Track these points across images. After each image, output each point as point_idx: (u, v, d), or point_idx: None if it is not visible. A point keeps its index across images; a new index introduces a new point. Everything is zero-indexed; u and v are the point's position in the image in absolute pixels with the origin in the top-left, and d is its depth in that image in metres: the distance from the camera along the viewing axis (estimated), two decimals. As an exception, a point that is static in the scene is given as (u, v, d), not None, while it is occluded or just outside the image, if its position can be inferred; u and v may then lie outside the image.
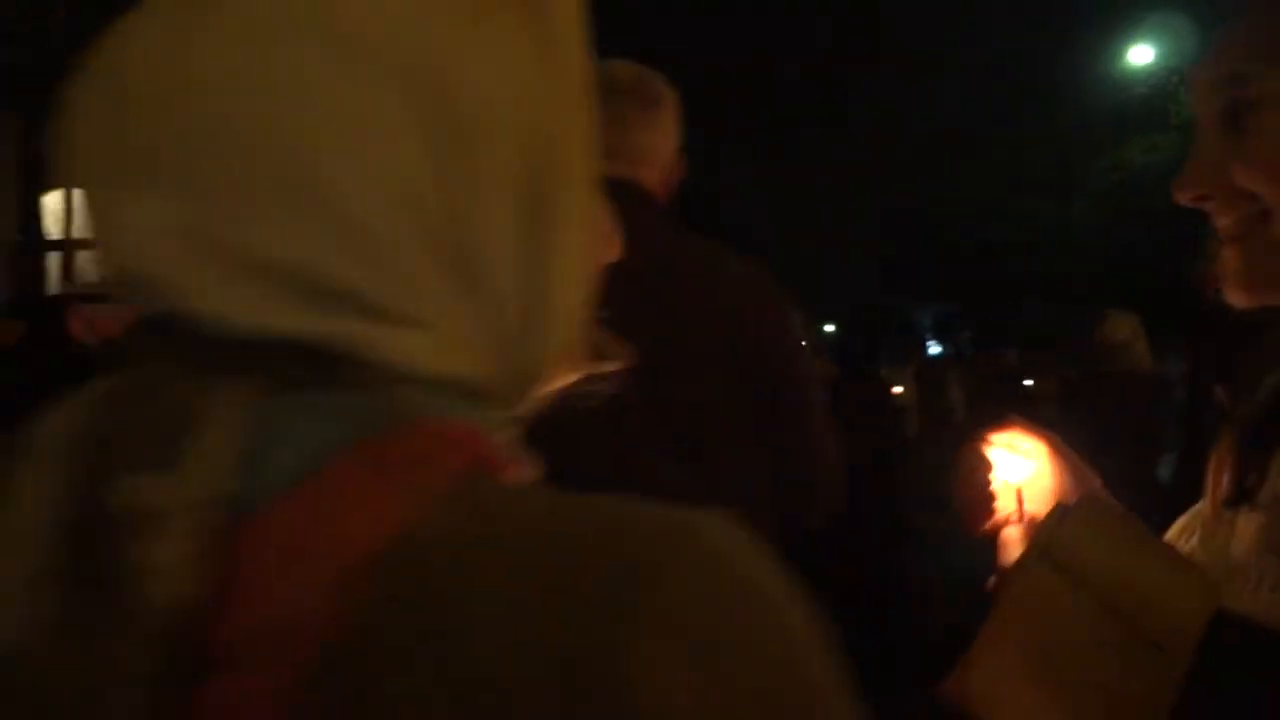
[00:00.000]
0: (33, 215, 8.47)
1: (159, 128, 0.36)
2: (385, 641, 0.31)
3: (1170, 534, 0.89)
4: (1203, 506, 0.85)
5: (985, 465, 0.89)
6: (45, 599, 0.29)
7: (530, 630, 0.31)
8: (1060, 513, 0.79)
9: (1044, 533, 0.78)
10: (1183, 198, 0.77)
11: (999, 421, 0.91)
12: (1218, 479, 0.82)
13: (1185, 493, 0.90)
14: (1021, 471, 0.88)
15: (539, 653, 0.30)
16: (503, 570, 0.32)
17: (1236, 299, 0.77)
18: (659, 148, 1.53)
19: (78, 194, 0.38)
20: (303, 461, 0.33)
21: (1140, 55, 16.00)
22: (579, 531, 0.34)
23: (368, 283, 0.36)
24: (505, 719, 0.30)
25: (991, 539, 0.88)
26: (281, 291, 0.35)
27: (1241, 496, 0.78)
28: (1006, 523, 0.87)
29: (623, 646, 0.30)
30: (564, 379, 0.45)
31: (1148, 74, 15.61)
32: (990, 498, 0.88)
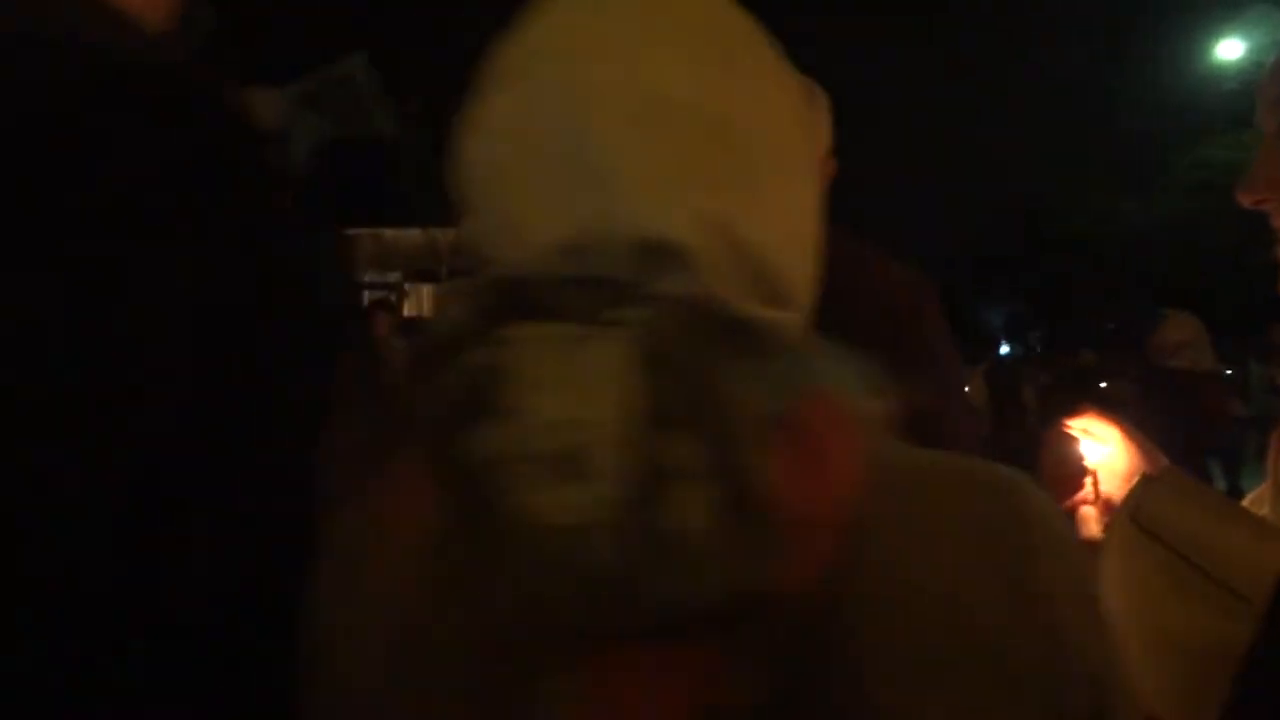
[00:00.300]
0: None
1: (698, 139, 0.44)
2: (881, 534, 0.44)
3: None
4: (1266, 486, 0.91)
5: (1067, 445, 0.95)
6: (633, 480, 0.38)
7: (975, 540, 0.45)
8: (1145, 481, 0.85)
9: (1131, 499, 0.84)
10: (1245, 200, 0.84)
11: (1074, 409, 0.98)
12: (1278, 459, 0.87)
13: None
14: (1096, 455, 0.94)
15: (980, 545, 0.45)
16: (944, 494, 0.47)
17: None
18: None
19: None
20: (774, 405, 0.42)
21: (1229, 50, 15.52)
22: (964, 468, 0.48)
23: (794, 287, 0.47)
24: (970, 605, 0.43)
25: (1070, 517, 0.94)
26: (750, 282, 0.44)
27: None
28: (1084, 502, 0.93)
29: (1031, 549, 0.45)
30: None
31: (1236, 70, 15.12)
32: (1075, 475, 0.94)
